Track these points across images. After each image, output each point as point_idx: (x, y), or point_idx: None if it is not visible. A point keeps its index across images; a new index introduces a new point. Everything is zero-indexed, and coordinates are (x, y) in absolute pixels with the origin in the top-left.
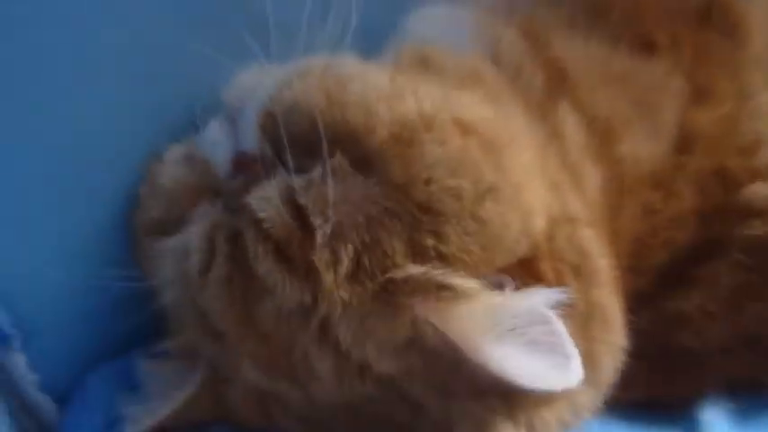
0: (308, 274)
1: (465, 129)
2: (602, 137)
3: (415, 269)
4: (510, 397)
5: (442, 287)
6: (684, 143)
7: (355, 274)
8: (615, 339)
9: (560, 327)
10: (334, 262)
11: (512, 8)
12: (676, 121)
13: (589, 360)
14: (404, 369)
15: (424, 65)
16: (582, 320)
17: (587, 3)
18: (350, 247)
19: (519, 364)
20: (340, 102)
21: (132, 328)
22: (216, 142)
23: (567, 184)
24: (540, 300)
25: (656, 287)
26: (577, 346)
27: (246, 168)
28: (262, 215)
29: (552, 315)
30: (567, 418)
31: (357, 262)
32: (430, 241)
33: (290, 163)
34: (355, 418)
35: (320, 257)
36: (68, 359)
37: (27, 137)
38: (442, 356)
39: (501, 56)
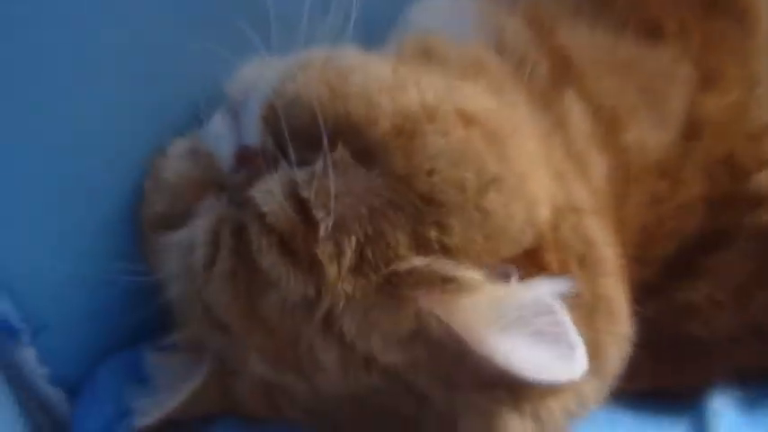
0: (312, 267)
1: (468, 119)
2: (608, 125)
3: (418, 261)
4: (515, 388)
5: (446, 279)
6: (692, 131)
7: (359, 267)
8: (621, 329)
9: (565, 317)
10: (338, 254)
11: None
12: (684, 109)
13: (595, 350)
14: (409, 361)
15: (427, 55)
16: (587, 311)
17: None
18: (353, 239)
19: (523, 356)
20: (342, 93)
21: (140, 321)
22: (219, 136)
23: (572, 173)
24: (544, 290)
25: (663, 277)
26: (583, 336)
27: (249, 162)
28: (265, 209)
29: (557, 305)
30: (573, 409)
31: (360, 254)
32: (433, 233)
33: (293, 156)
34: (361, 409)
35: (323, 250)
36: (77, 353)
37: (33, 134)
38: (447, 348)
39: (504, 45)
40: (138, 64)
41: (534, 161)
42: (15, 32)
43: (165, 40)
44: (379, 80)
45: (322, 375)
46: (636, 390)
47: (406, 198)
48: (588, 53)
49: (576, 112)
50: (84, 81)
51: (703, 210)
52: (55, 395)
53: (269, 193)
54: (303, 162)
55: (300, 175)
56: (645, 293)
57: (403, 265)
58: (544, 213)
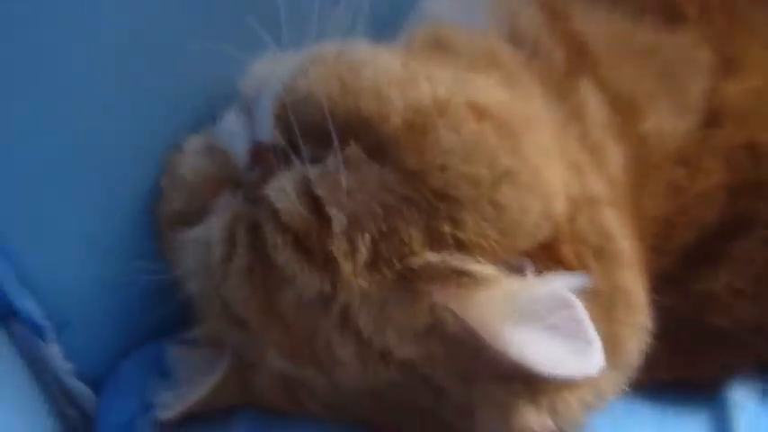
0: (327, 264)
1: (480, 113)
2: (626, 114)
3: (432, 256)
4: (532, 381)
5: (461, 273)
6: (713, 117)
7: (374, 263)
8: (639, 321)
9: (582, 312)
10: (352, 251)
11: None
12: (704, 96)
13: (613, 343)
14: (425, 355)
15: (439, 47)
16: (605, 303)
17: None
18: (367, 236)
19: (539, 351)
20: (353, 89)
21: (162, 317)
22: (233, 133)
23: (588, 164)
24: (560, 284)
25: (682, 266)
26: (601, 329)
27: (263, 159)
28: (279, 207)
29: (574, 299)
30: (591, 401)
31: (375, 250)
32: (447, 228)
33: (305, 153)
34: (380, 402)
35: (338, 247)
36: (101, 349)
37: (53, 134)
38: (463, 342)
39: (518, 32)
40: (152, 62)
41: (549, 153)
42: (31, 33)
43: (178, 37)
44: (389, 75)
45: (340, 370)
46: (655, 381)
47: (420, 194)
48: (605, 39)
49: (593, 102)
50: (99, 80)
51: (723, 198)
52: (81, 389)
53: (282, 191)
54: (316, 158)
55: (313, 172)
56: (664, 283)
57: (417, 261)
58: (559, 206)
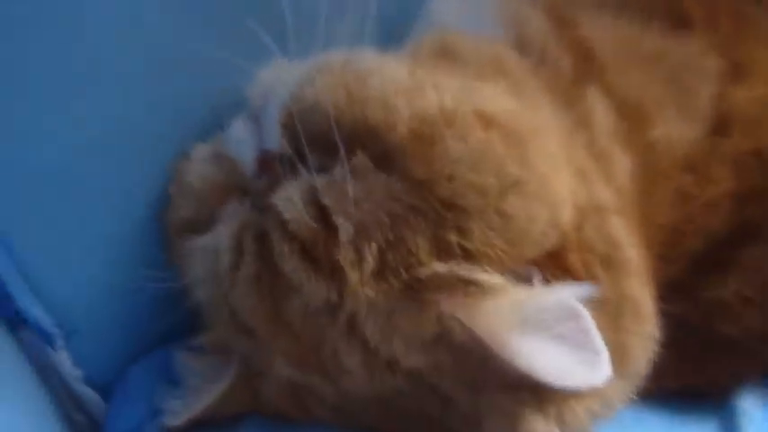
0: (334, 273)
1: (487, 122)
2: (633, 121)
3: (439, 266)
4: (539, 390)
5: (468, 282)
6: (721, 124)
7: (380, 272)
8: (647, 330)
9: (589, 322)
10: (359, 260)
11: None
12: (712, 102)
13: (620, 352)
14: (432, 364)
15: (445, 54)
16: (612, 312)
17: None
18: (374, 245)
19: (547, 361)
20: (359, 98)
21: (170, 323)
22: (240, 141)
23: (595, 172)
24: (568, 294)
25: (691, 274)
26: (608, 338)
27: (270, 168)
28: (286, 216)
29: (581, 309)
30: (598, 410)
31: (382, 260)
32: (454, 237)
33: (312, 162)
34: (387, 410)
35: (345, 256)
36: (109, 355)
37: (61, 141)
38: (470, 352)
39: (526, 39)
40: (159, 70)
41: (556, 162)
42: (35, 36)
43: (185, 45)
44: (396, 84)
45: (347, 378)
46: (663, 389)
47: (427, 203)
48: (612, 46)
49: (600, 110)
50: (105, 88)
51: (731, 205)
52: (89, 395)
53: (289, 200)
54: (323, 167)
55: (320, 181)
56: (672, 291)
57: (424, 271)
58: (567, 214)
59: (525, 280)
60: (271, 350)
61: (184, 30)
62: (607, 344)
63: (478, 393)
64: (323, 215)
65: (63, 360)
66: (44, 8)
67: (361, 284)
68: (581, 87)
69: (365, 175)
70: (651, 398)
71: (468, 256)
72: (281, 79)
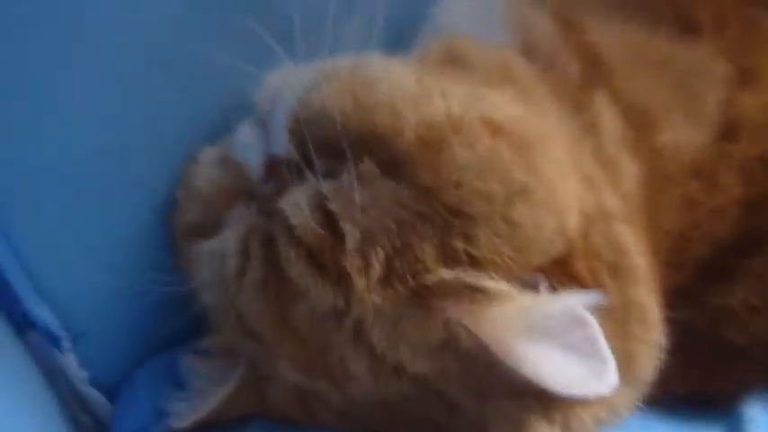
0: (340, 279)
1: (494, 129)
2: (641, 126)
3: (446, 273)
4: (545, 397)
5: (475, 290)
6: (729, 130)
7: (387, 279)
8: (653, 337)
9: (596, 330)
10: (366, 267)
11: None
12: (719, 107)
13: (627, 359)
14: (438, 370)
15: (452, 60)
16: (619, 320)
17: None
18: (380, 251)
19: (553, 369)
20: (367, 105)
21: (176, 326)
22: (247, 145)
23: (602, 178)
24: (574, 301)
25: (698, 280)
26: (615, 346)
27: (277, 173)
28: (293, 222)
29: (588, 317)
30: (604, 417)
31: (388, 266)
32: (461, 244)
33: (319, 167)
34: (393, 415)
35: (351, 263)
36: (116, 358)
37: (66, 145)
38: (477, 358)
39: (533, 44)
40: (167, 74)
41: (563, 169)
42: (42, 40)
43: (192, 48)
44: (403, 90)
45: (353, 383)
46: (669, 395)
47: (434, 210)
48: (620, 51)
49: (607, 116)
50: (113, 92)
51: (739, 212)
52: (96, 397)
53: (296, 205)
54: (329, 173)
55: (327, 187)
56: (679, 298)
57: (431, 278)
58: (573, 222)
59: (532, 287)
60: (277, 354)
61: (191, 33)
62: (614, 352)
63: (485, 400)
64: (330, 221)
65: (69, 362)
66: (46, 11)
67: (367, 291)
68: (588, 93)
69: (372, 182)
70: (657, 404)
71: (475, 262)
72: (288, 84)
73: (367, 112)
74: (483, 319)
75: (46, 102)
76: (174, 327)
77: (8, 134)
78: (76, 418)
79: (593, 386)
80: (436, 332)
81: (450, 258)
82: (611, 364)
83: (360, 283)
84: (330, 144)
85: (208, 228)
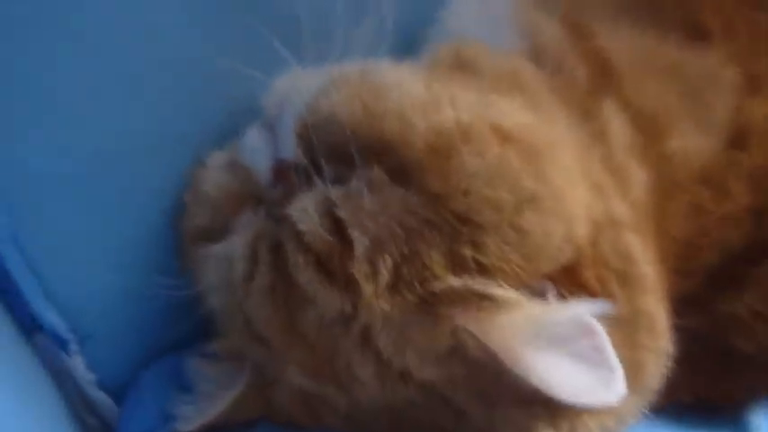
0: (348, 285)
1: (504, 136)
2: (650, 133)
3: (454, 280)
4: (552, 405)
5: (483, 297)
6: (738, 138)
7: (395, 286)
8: (661, 346)
9: (604, 339)
10: (374, 273)
11: None
12: (729, 115)
13: (634, 367)
14: (445, 377)
15: (461, 67)
16: (627, 328)
17: None
18: (389, 258)
19: (561, 378)
20: (375, 112)
21: (183, 329)
22: (255, 150)
23: (611, 186)
24: (583, 310)
25: (706, 288)
26: (622, 354)
27: (285, 177)
28: (302, 228)
29: (597, 326)
30: (611, 425)
31: (396, 273)
32: (469, 252)
33: (327, 173)
34: (399, 421)
35: (359, 269)
36: (122, 360)
37: (74, 148)
38: (484, 366)
39: (541, 49)
40: (175, 78)
41: (572, 176)
42: (51, 44)
43: (201, 52)
44: (412, 97)
45: (360, 389)
46: (676, 403)
47: (442, 217)
48: (629, 57)
49: (616, 123)
50: (121, 95)
51: (748, 220)
52: (102, 399)
53: (305, 211)
54: (338, 179)
55: (336, 193)
56: (687, 305)
57: (439, 285)
58: (582, 230)
59: (540, 295)
60: (285, 360)
61: (198, 35)
62: (621, 360)
63: (492, 407)
64: (338, 228)
65: (77, 364)
66: (50, 15)
67: (375, 297)
68: (597, 99)
69: (381, 189)
70: (664, 413)
71: (483, 270)
72: (296, 88)
73: (376, 119)
74: (491, 327)
75: (52, 104)
76: (180, 330)
77: (15, 136)
78: (83, 420)
79: (601, 396)
80: (444, 339)
81: (458, 266)
82: (619, 373)
83: (368, 289)
84: (339, 150)
85: (216, 232)
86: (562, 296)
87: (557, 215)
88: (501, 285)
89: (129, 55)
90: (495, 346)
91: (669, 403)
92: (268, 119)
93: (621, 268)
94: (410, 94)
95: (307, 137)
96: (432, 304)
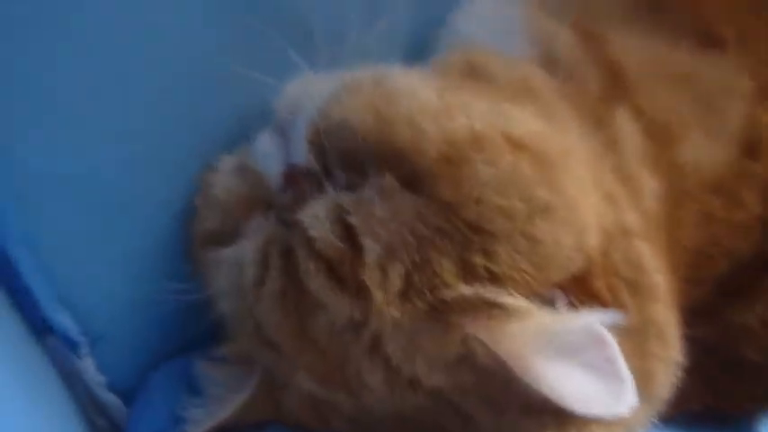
0: (359, 292)
1: (516, 145)
2: (662, 142)
3: (465, 289)
4: (562, 414)
5: (493, 305)
6: (750, 147)
7: (406, 293)
8: (671, 355)
9: (615, 350)
10: (385, 281)
11: (564, 2)
12: (741, 124)
13: (645, 377)
14: (455, 384)
15: (472, 74)
16: (638, 338)
17: None
18: (400, 266)
19: (570, 387)
20: (387, 119)
21: (192, 332)
22: (266, 154)
23: (623, 195)
24: (593, 320)
25: (716, 298)
26: (633, 364)
27: (296, 182)
28: (313, 234)
29: (607, 336)
30: None
31: (407, 281)
32: (480, 260)
33: (339, 179)
34: (407, 426)
35: (370, 276)
36: (133, 363)
37: (86, 154)
38: (494, 374)
39: (552, 55)
40: (186, 82)
41: (584, 185)
42: (53, 47)
43: (212, 56)
44: (424, 105)
45: (369, 395)
46: (685, 412)
47: (454, 226)
48: (641, 64)
49: (628, 132)
50: (132, 100)
51: (759, 230)
52: (113, 401)
53: (316, 217)
54: (349, 185)
55: (347, 200)
56: (697, 315)
57: (449, 293)
58: (593, 239)
59: (550, 304)
60: (295, 365)
61: (209, 40)
62: (632, 370)
63: (501, 415)
64: (349, 234)
65: (87, 366)
66: (50, 15)
67: (386, 304)
68: (609, 108)
69: (392, 196)
70: (673, 423)
71: (494, 278)
72: (308, 93)
73: (388, 127)
74: (501, 336)
75: (52, 104)
76: (190, 333)
77: (15, 136)
78: (93, 422)
79: (611, 406)
80: (453, 347)
81: (469, 274)
82: (630, 384)
83: (378, 296)
84: (350, 156)
85: (226, 236)
86: (573, 305)
87: (569, 224)
88: (511, 294)
89: (138, 61)
90: (506, 355)
91: (679, 413)
92: (280, 123)
93: (632, 277)
94: (422, 101)
95: (318, 142)
96: (442, 312)
